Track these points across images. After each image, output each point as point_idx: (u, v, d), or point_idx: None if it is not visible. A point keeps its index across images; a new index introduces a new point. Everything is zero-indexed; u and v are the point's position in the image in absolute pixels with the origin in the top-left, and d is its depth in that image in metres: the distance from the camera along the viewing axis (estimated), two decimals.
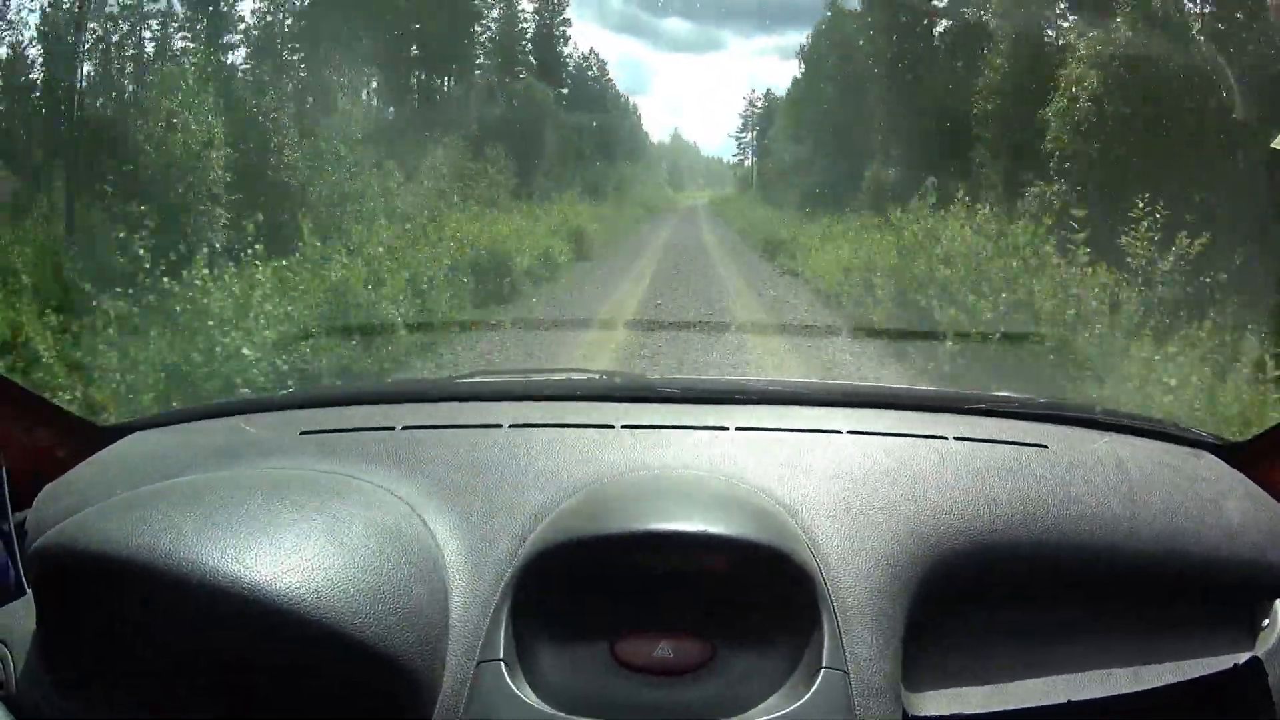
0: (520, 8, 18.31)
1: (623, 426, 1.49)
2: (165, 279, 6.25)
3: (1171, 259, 6.97)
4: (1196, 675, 1.24)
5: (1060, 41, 10.83)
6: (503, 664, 1.09)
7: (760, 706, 1.06)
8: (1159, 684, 1.23)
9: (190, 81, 9.10)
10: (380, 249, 8.85)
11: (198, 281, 6.33)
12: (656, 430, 1.49)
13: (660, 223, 21.14)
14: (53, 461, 1.51)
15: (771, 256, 14.65)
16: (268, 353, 6.05)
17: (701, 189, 28.76)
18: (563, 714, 1.05)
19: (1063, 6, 11.59)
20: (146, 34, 11.55)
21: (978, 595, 1.28)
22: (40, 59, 10.86)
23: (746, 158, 25.80)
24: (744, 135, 26.07)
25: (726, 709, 1.06)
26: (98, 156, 9.25)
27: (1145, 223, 7.21)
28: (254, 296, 6.67)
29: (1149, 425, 1.61)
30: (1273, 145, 7.55)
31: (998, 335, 6.57)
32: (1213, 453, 1.55)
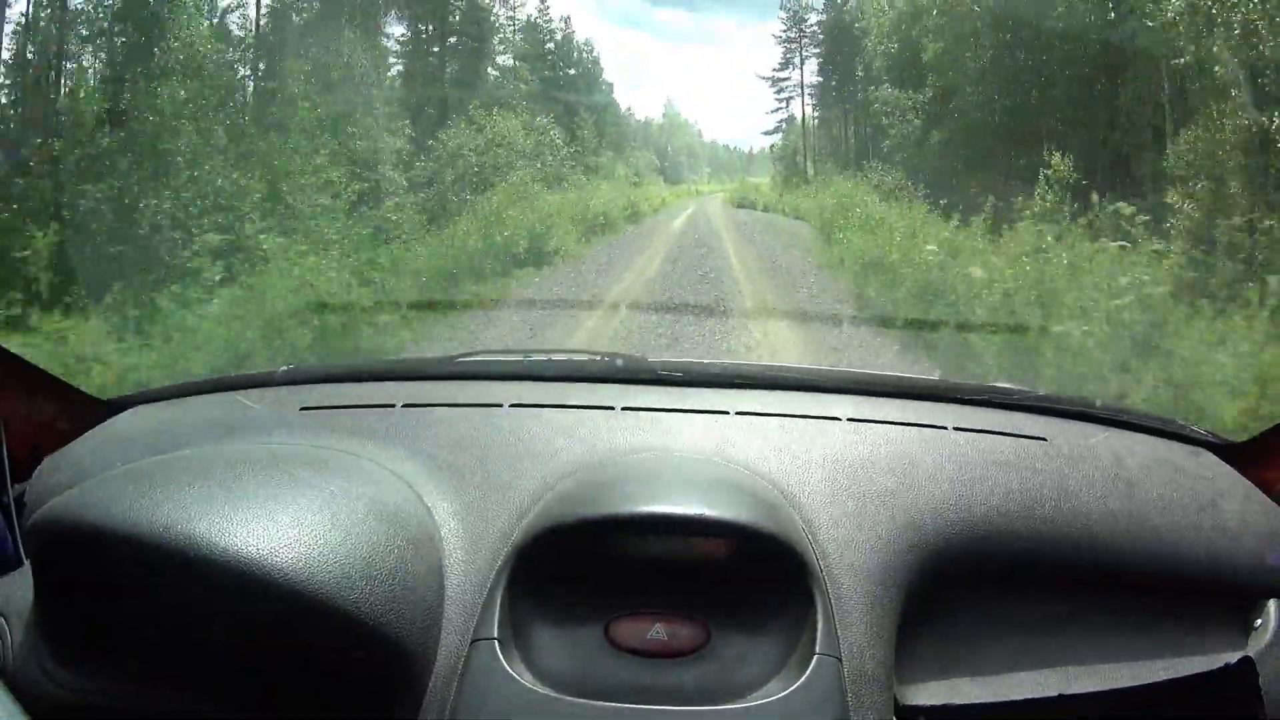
0: None
1: (623, 408, 1.50)
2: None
3: None
4: (1188, 673, 1.25)
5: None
6: (497, 643, 1.09)
7: (753, 691, 1.07)
8: (1150, 680, 1.24)
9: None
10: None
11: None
12: (656, 413, 1.50)
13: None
14: (53, 434, 1.52)
15: None
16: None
17: (708, 181, 21.93)
18: (556, 694, 1.05)
19: None
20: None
21: (972, 586, 1.28)
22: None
23: (787, 113, 17.35)
24: (785, 75, 16.71)
25: (719, 693, 1.07)
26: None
27: None
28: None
29: (1149, 421, 1.61)
30: None
31: None
32: (1212, 451, 1.54)
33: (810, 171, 17.56)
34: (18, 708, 0.87)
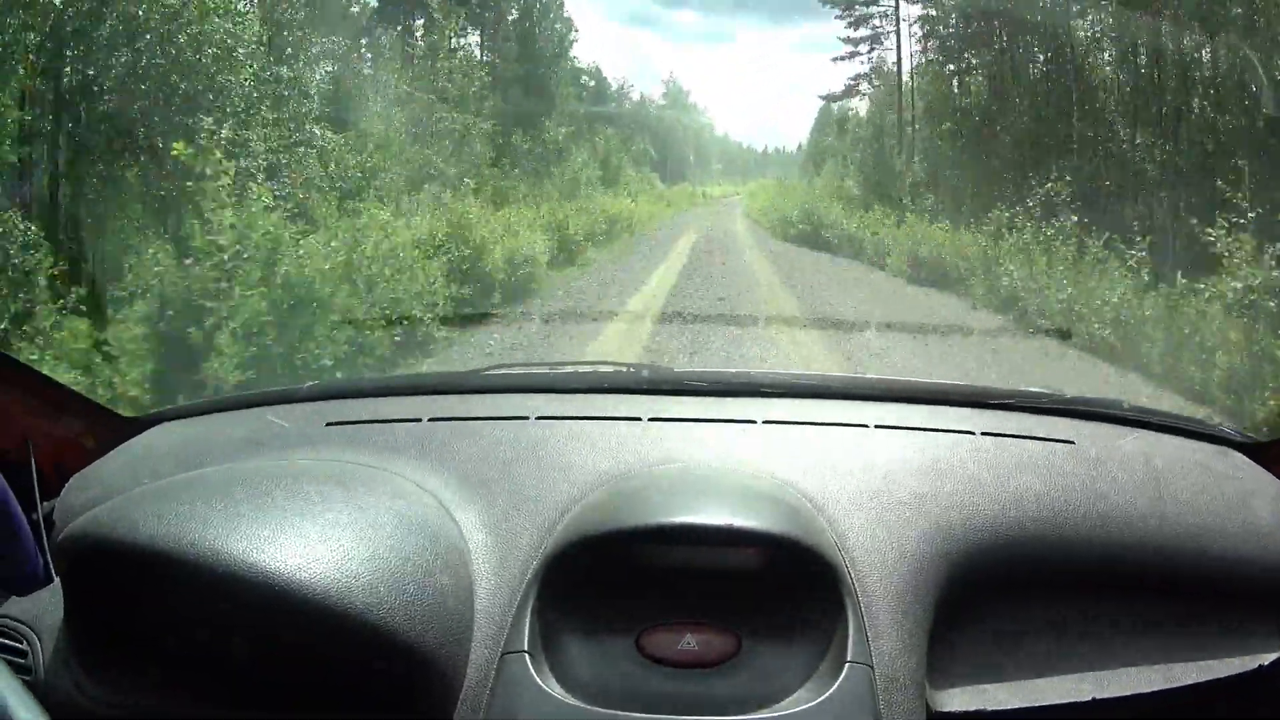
0: None
1: (650, 419, 1.49)
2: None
3: None
4: (1221, 675, 1.23)
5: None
6: (527, 656, 1.09)
7: (785, 700, 1.06)
8: (1183, 683, 1.22)
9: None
10: None
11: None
12: (683, 423, 1.50)
13: None
14: (80, 452, 1.52)
15: None
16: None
17: (719, 181, 16.80)
18: (587, 706, 1.05)
19: None
20: None
21: (1003, 591, 1.27)
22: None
23: (868, 62, 10.27)
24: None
25: (751, 702, 1.06)
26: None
27: None
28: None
29: (1176, 422, 1.60)
30: None
31: None
32: (1240, 451, 1.53)
33: (907, 174, 10.00)
34: None
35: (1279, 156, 7.75)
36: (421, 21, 11.20)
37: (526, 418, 1.50)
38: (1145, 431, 1.56)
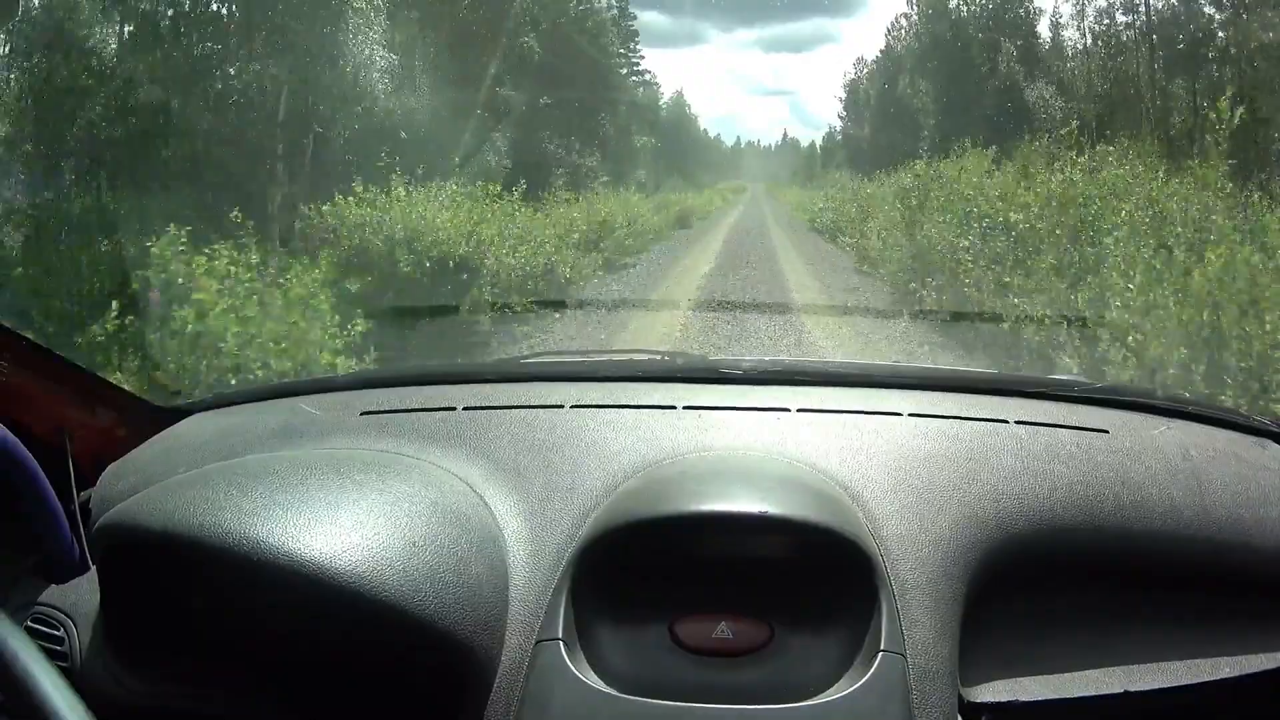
0: None
1: (684, 408, 1.49)
2: None
3: None
4: (1255, 670, 1.22)
5: None
6: (561, 643, 1.09)
7: (818, 689, 1.06)
8: (1216, 677, 1.21)
9: None
10: None
11: None
12: (718, 411, 1.49)
13: None
14: (116, 442, 1.54)
15: None
16: None
17: (716, 183, 14.33)
18: (621, 694, 1.05)
19: None
20: None
21: (1036, 581, 1.27)
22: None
23: None
24: None
25: (784, 691, 1.06)
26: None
27: None
28: None
29: (1212, 412, 1.58)
30: None
31: None
32: (1277, 442, 1.51)
33: None
34: (85, 709, 0.88)
35: None
36: None
37: (561, 406, 1.50)
38: (1180, 421, 1.54)
